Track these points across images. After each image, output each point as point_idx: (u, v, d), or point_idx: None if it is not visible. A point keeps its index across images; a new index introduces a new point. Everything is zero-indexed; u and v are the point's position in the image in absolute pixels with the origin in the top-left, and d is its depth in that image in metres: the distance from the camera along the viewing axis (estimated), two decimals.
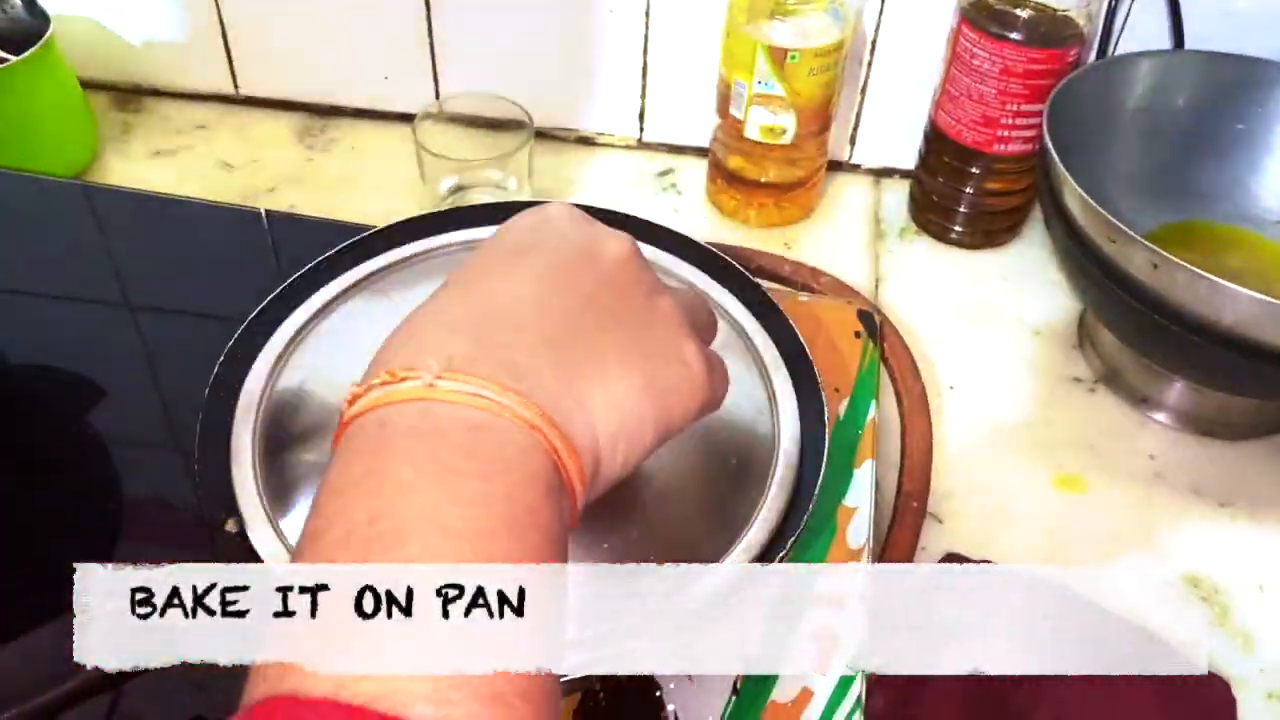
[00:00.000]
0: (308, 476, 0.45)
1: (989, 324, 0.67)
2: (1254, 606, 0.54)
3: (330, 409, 0.47)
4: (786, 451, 0.46)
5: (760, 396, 0.49)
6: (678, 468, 0.45)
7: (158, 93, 0.80)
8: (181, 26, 0.76)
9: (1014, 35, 0.62)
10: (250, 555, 0.43)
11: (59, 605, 0.39)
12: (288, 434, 0.47)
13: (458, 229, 0.55)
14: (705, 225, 0.72)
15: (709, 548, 0.43)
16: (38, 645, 0.40)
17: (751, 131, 0.67)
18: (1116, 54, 0.65)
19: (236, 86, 0.79)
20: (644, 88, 0.75)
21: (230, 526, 0.43)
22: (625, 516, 0.43)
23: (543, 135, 0.77)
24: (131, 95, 0.80)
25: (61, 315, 0.63)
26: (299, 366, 0.49)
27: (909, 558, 0.54)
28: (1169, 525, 0.57)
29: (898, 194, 0.75)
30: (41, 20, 0.70)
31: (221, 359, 0.50)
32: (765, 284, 0.54)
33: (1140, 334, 0.58)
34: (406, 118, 0.72)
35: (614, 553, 0.42)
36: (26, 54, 0.67)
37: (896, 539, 0.54)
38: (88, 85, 0.76)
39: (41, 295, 0.64)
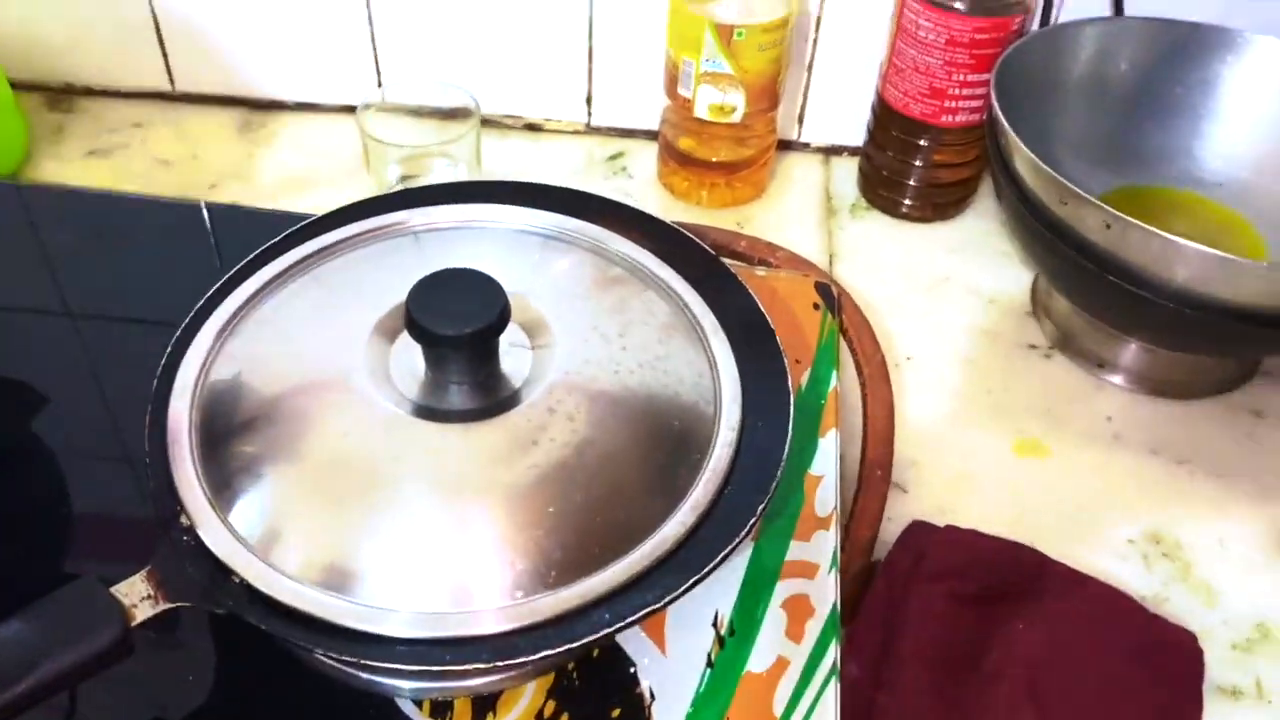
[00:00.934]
0: (248, 469, 0.43)
1: (943, 296, 0.67)
2: (1215, 561, 0.54)
3: (265, 398, 0.46)
4: (730, 416, 0.46)
5: (714, 367, 0.48)
6: (626, 440, 0.45)
7: (91, 91, 0.78)
8: (114, 22, 0.74)
9: (958, 5, 0.62)
10: (203, 551, 0.41)
11: (7, 610, 0.38)
12: (226, 425, 0.45)
13: (395, 210, 0.54)
14: (657, 208, 0.72)
15: (655, 511, 0.42)
16: None
17: (701, 111, 0.67)
18: (1059, 22, 0.66)
19: (173, 82, 0.77)
20: (590, 71, 0.74)
21: (184, 520, 0.42)
22: (570, 481, 0.42)
23: (490, 124, 0.76)
24: (63, 95, 0.78)
25: None
26: (232, 356, 0.48)
27: (875, 527, 0.54)
28: (1129, 485, 0.57)
29: (848, 171, 0.75)
30: None
31: (165, 357, 0.48)
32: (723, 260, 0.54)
33: (1094, 296, 0.58)
34: (350, 109, 0.71)
35: (560, 517, 0.41)
36: None
37: (863, 508, 0.54)
38: (17, 85, 0.74)
39: None
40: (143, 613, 0.39)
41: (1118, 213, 0.51)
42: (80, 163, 0.74)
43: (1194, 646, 0.49)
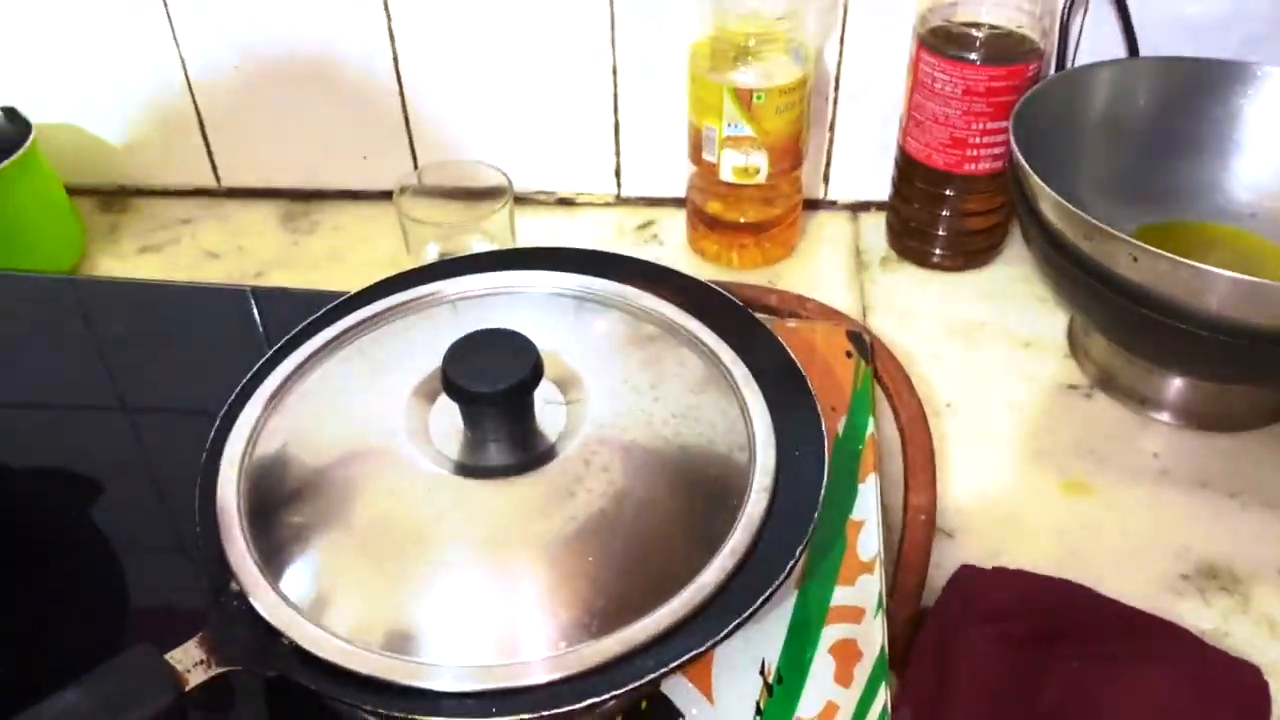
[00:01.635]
0: (296, 536, 0.44)
1: (979, 342, 0.67)
2: (1275, 593, 0.53)
3: (310, 467, 0.47)
4: (765, 461, 0.46)
5: (747, 415, 0.48)
6: (662, 489, 0.45)
7: (141, 192, 0.82)
8: (161, 126, 0.78)
9: (972, 56, 0.63)
10: (253, 616, 0.42)
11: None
12: (273, 495, 0.46)
13: (430, 281, 0.56)
14: (689, 271, 0.73)
15: (694, 559, 0.42)
16: None
17: (726, 174, 0.68)
18: (1076, 65, 0.67)
19: (218, 179, 0.81)
20: (618, 145, 0.76)
21: (234, 587, 0.43)
22: (609, 531, 0.43)
23: (523, 200, 0.78)
24: (116, 196, 0.82)
25: (53, 414, 0.63)
26: (277, 429, 0.49)
27: (922, 572, 0.53)
28: (1180, 520, 0.56)
29: (876, 225, 0.76)
30: (23, 128, 0.72)
31: (213, 432, 0.50)
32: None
33: (1129, 331, 0.58)
34: (388, 194, 0.73)
35: (600, 567, 0.42)
36: (8, 162, 0.69)
37: (908, 554, 0.53)
38: (73, 190, 0.77)
39: (35, 395, 0.64)
40: (196, 677, 0.40)
41: (1144, 245, 0.51)
42: (134, 259, 0.77)
43: (1259, 680, 0.48)
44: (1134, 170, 0.66)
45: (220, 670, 0.40)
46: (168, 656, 0.40)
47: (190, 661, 0.40)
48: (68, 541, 0.56)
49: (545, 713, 0.38)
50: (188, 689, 0.39)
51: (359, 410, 0.49)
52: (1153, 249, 0.51)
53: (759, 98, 0.65)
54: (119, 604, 0.54)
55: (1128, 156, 0.66)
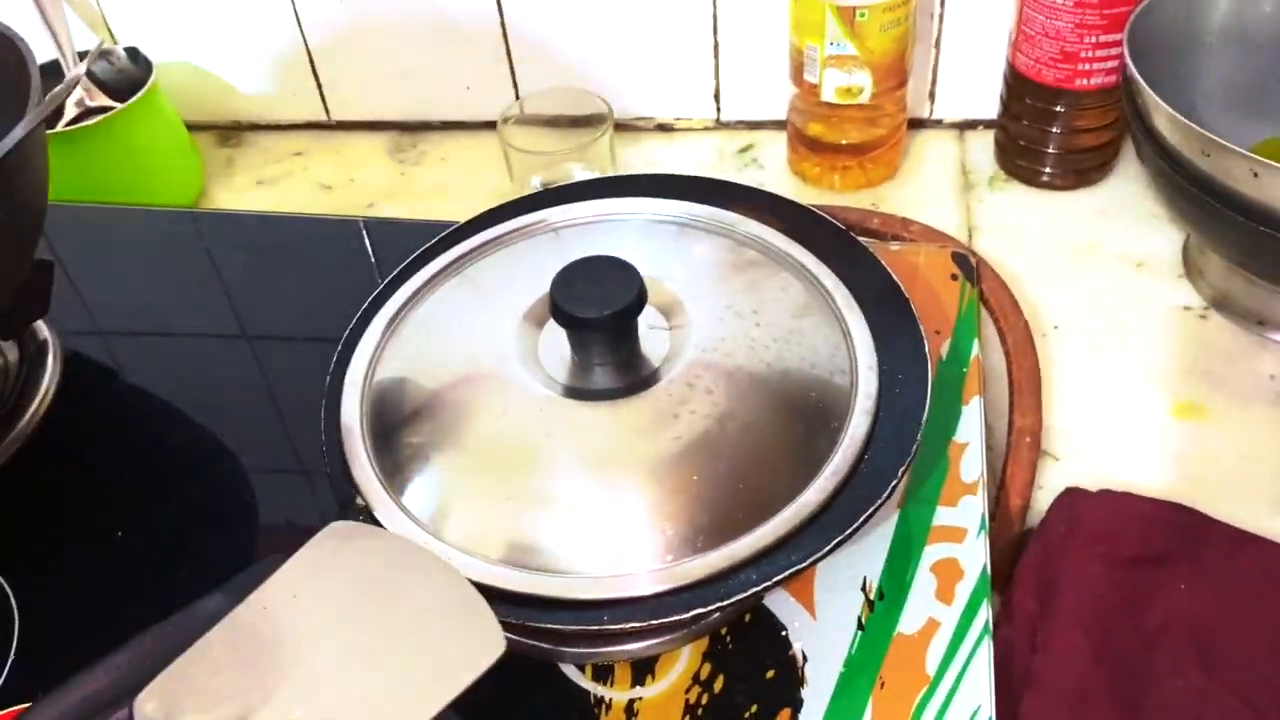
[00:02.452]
0: (416, 455, 0.46)
1: (1089, 262, 0.66)
2: None
3: (427, 390, 0.49)
4: (867, 384, 0.47)
5: (849, 338, 0.49)
6: (765, 411, 0.46)
7: (256, 126, 0.84)
8: (273, 63, 0.80)
9: None
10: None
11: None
12: (394, 417, 0.49)
13: (536, 210, 0.57)
14: (791, 195, 0.72)
15: (796, 478, 0.43)
16: (182, 627, 0.42)
17: (828, 94, 0.68)
18: None
19: (328, 113, 0.83)
20: (717, 67, 0.76)
21: (360, 502, 0.45)
22: (712, 451, 0.44)
23: (622, 127, 0.79)
24: (232, 131, 0.84)
25: (179, 340, 0.67)
26: (395, 354, 0.51)
27: (1026, 495, 0.53)
28: None
29: (983, 144, 0.74)
30: (145, 69, 0.75)
31: (335, 357, 0.52)
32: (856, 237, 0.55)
33: (1247, 250, 0.56)
34: (492, 125, 0.74)
35: (705, 485, 0.43)
36: (132, 100, 0.72)
37: (1012, 476, 0.53)
38: (192, 126, 0.80)
39: (163, 323, 0.68)
40: None
41: (1265, 160, 0.49)
42: (250, 192, 0.79)
43: None
44: (1257, 82, 0.63)
45: None
46: None
47: None
48: (198, 462, 0.60)
49: (654, 621, 0.40)
50: None
51: (471, 335, 0.51)
52: (1273, 164, 0.49)
53: (862, 15, 0.64)
54: (247, 520, 0.57)
55: (1250, 68, 0.63)
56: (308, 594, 0.37)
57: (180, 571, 0.53)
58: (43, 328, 0.63)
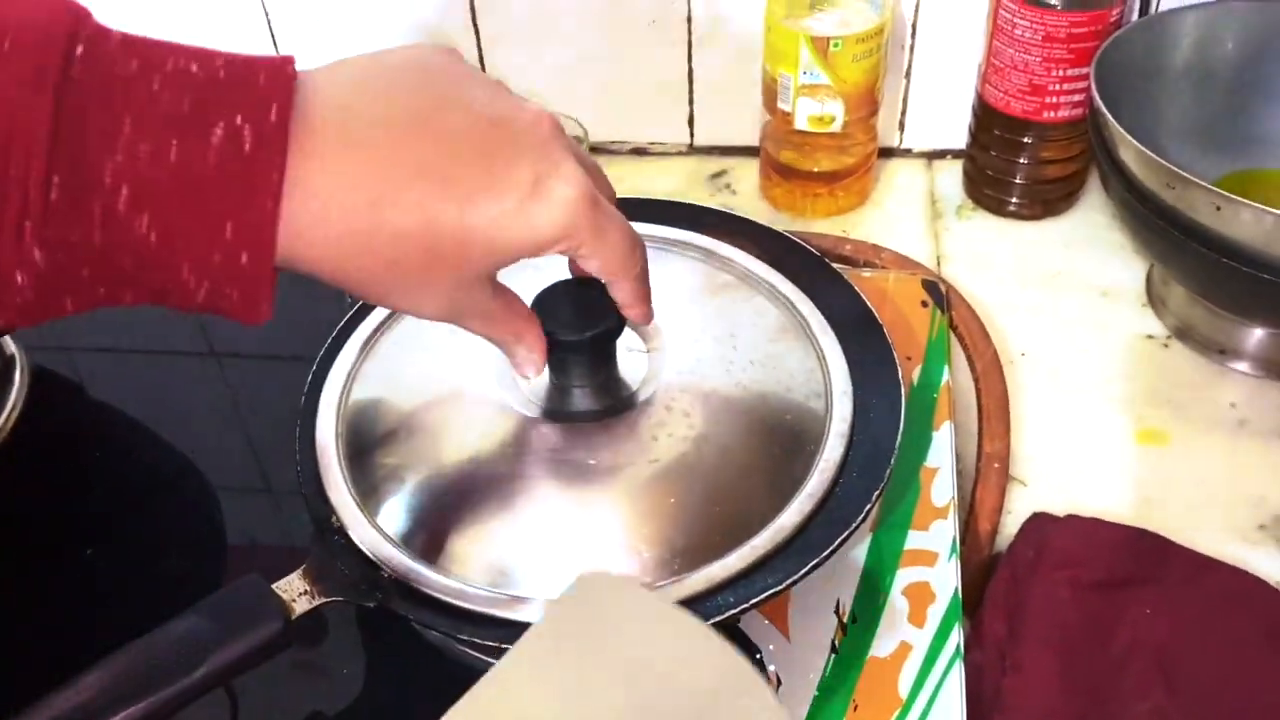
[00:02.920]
0: (392, 475, 0.47)
1: (1056, 290, 0.67)
2: None
3: (403, 410, 0.50)
4: (842, 409, 0.47)
5: (824, 363, 0.49)
6: (741, 434, 0.46)
7: None
8: None
9: (1053, 1, 0.62)
10: (353, 550, 0.44)
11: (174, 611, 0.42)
12: (369, 437, 0.49)
13: None
14: (763, 220, 0.73)
15: (772, 502, 0.44)
16: (154, 647, 0.42)
17: (800, 122, 0.69)
18: (1160, 10, 0.66)
19: None
20: (691, 94, 0.77)
21: (335, 522, 0.45)
22: (689, 474, 0.45)
23: (598, 149, 0.79)
24: None
25: (148, 359, 0.66)
26: (370, 375, 0.51)
27: (995, 519, 0.54)
28: (1257, 470, 0.56)
29: (952, 173, 0.76)
30: None
31: (309, 378, 0.52)
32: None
33: (1209, 281, 0.57)
34: None
35: (682, 508, 0.43)
36: None
37: (981, 501, 0.54)
38: None
39: (131, 343, 0.67)
40: (301, 607, 0.42)
41: (1227, 194, 0.51)
42: None
43: None
44: (1219, 117, 0.65)
45: (323, 601, 0.43)
46: (275, 586, 0.43)
47: (295, 592, 0.42)
48: (166, 480, 0.59)
49: None
50: (293, 618, 0.42)
51: (448, 357, 0.51)
52: (1236, 197, 0.50)
53: (835, 45, 0.65)
54: (215, 539, 0.57)
55: (1213, 102, 0.65)
56: (560, 671, 0.32)
57: (150, 590, 0.52)
58: (9, 343, 0.62)
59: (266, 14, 0.76)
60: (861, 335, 0.50)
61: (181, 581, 0.53)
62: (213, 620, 0.41)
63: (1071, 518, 0.53)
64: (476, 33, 0.75)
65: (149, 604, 0.50)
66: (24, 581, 0.52)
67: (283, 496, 0.58)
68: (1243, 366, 0.61)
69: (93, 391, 0.65)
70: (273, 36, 0.77)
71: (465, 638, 0.41)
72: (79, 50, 0.31)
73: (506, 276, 0.41)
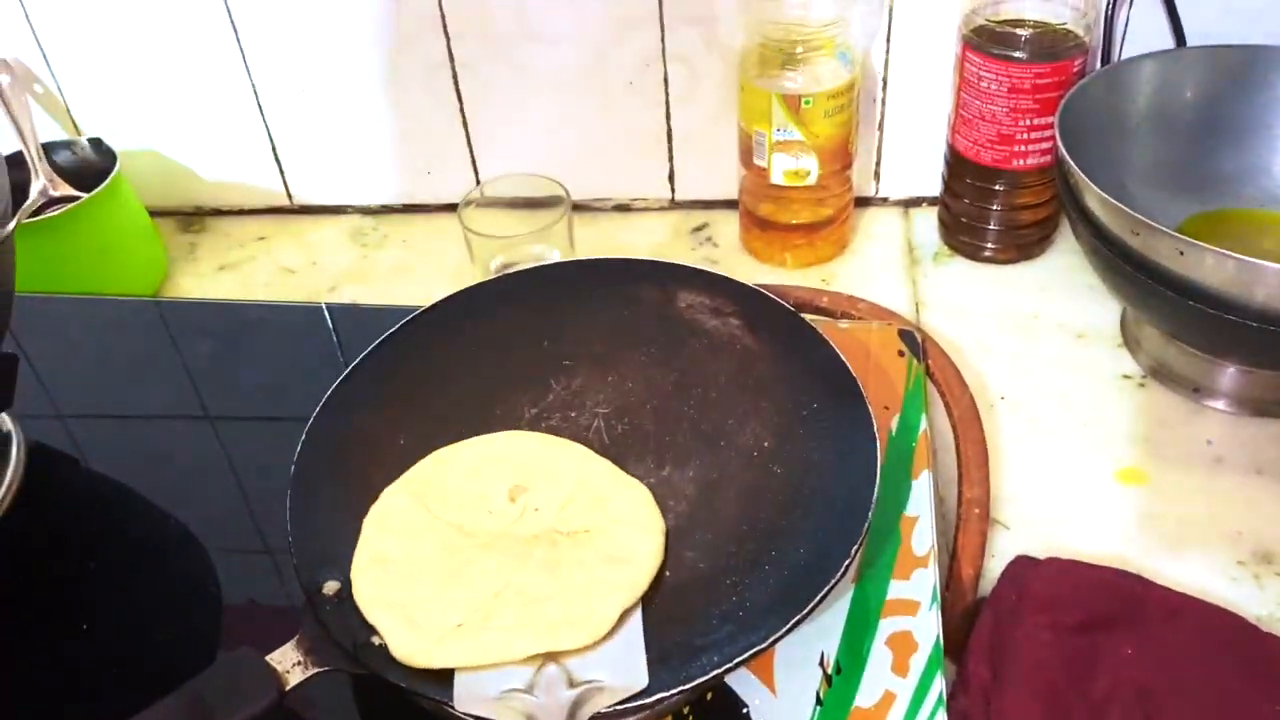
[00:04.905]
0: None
1: (1032, 334, 0.68)
2: None
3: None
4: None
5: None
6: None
7: (218, 212, 0.86)
8: (235, 149, 0.82)
9: (1017, 54, 0.64)
10: (355, 613, 0.45)
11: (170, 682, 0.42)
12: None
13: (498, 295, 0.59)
14: (743, 273, 0.75)
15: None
16: None
17: (776, 177, 0.70)
18: (1121, 59, 0.67)
19: (290, 197, 0.84)
20: (670, 150, 0.78)
21: (328, 590, 0.46)
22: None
23: (580, 207, 0.81)
24: (195, 217, 0.86)
25: (144, 427, 0.67)
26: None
27: (978, 564, 0.55)
28: (1235, 507, 0.57)
29: (928, 220, 0.77)
30: (108, 158, 0.76)
31: (301, 444, 0.53)
32: (805, 316, 0.57)
33: (1178, 323, 0.59)
34: (452, 208, 0.76)
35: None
36: (97, 190, 0.73)
37: (964, 546, 0.55)
38: (154, 212, 0.81)
39: (126, 409, 0.68)
40: (295, 678, 0.43)
41: (1189, 239, 0.52)
42: (213, 277, 0.81)
43: None
44: (1183, 160, 0.66)
45: (316, 671, 0.43)
46: (268, 659, 0.43)
47: (289, 663, 0.43)
48: (163, 548, 0.60)
49: (619, 705, 0.41)
50: (288, 689, 0.43)
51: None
52: (1198, 243, 0.52)
53: (807, 102, 0.67)
54: (213, 605, 0.57)
55: (1176, 147, 0.66)
56: None
57: (147, 661, 0.53)
58: (5, 420, 0.63)
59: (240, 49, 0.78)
60: (837, 390, 0.51)
61: (179, 648, 0.54)
62: (208, 697, 0.41)
63: (1052, 560, 0.54)
64: (459, 96, 0.77)
65: (146, 677, 0.51)
66: (22, 660, 0.53)
67: (280, 556, 0.58)
68: (1218, 404, 0.62)
69: (89, 462, 0.66)
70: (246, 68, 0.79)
71: (452, 706, 0.42)
72: None
73: None
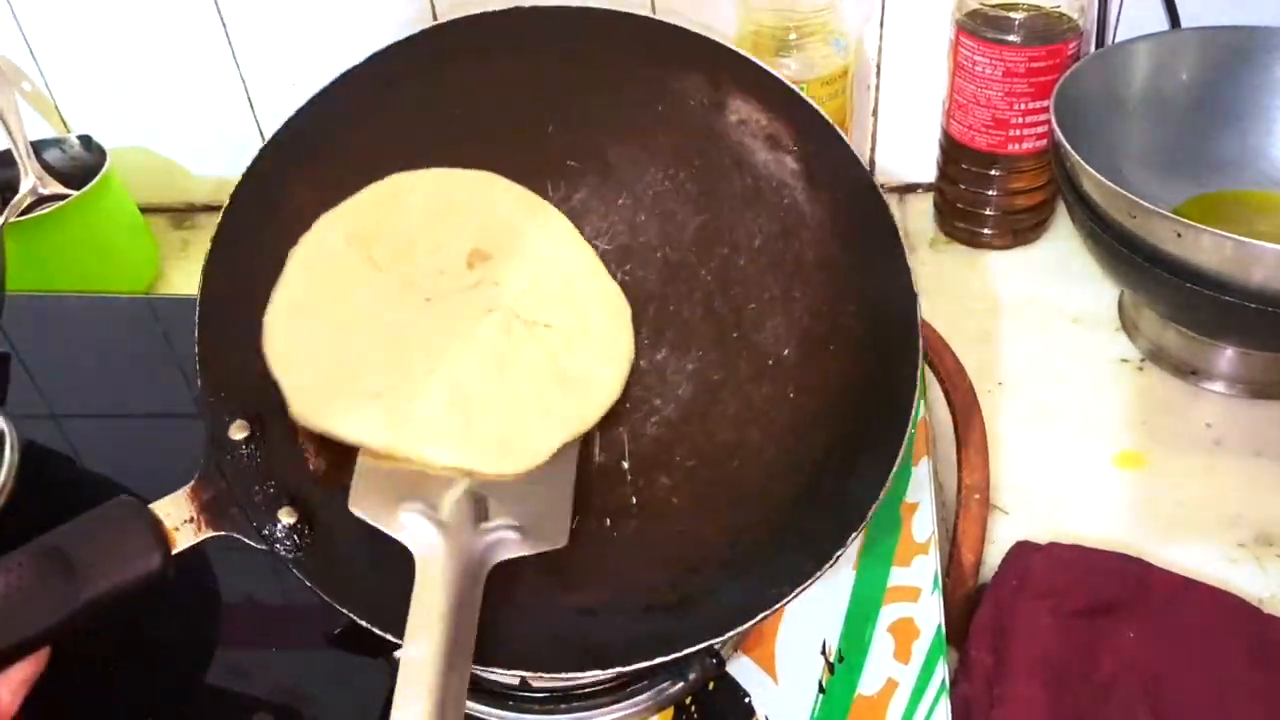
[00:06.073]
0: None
1: (1029, 319, 0.68)
2: None
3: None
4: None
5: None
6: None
7: (210, 208, 0.85)
8: (226, 144, 0.81)
9: (1011, 38, 0.64)
10: (264, 467, 0.40)
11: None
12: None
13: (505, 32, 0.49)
14: None
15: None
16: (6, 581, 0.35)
17: None
18: (1116, 41, 0.67)
19: None
20: None
21: (234, 432, 0.40)
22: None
23: None
24: (186, 213, 0.85)
25: (138, 426, 0.67)
26: None
27: (978, 550, 0.55)
28: (1235, 489, 0.57)
29: (923, 207, 0.77)
30: (99, 155, 0.76)
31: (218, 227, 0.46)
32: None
33: (1177, 306, 0.58)
34: None
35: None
36: (87, 188, 0.72)
37: (964, 532, 0.55)
38: (146, 209, 0.81)
39: (117, 407, 0.68)
40: (185, 539, 0.36)
41: (1186, 221, 0.52)
42: None
43: None
44: (1178, 142, 0.66)
45: (211, 534, 0.37)
46: (152, 507, 0.36)
47: (179, 518, 0.36)
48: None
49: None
50: (174, 550, 0.36)
51: None
52: (1196, 224, 0.52)
53: (801, 89, 0.66)
54: (211, 602, 0.57)
55: (1172, 129, 0.66)
56: None
57: (147, 665, 0.52)
58: None
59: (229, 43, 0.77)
60: (890, 302, 0.48)
61: (180, 652, 0.54)
62: (71, 552, 0.33)
63: (1053, 545, 0.54)
64: None
65: (145, 678, 0.51)
66: None
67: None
68: (1216, 386, 0.62)
69: (83, 461, 0.65)
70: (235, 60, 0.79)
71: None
72: None
73: None
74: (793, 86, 0.47)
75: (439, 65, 0.46)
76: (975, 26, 0.65)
